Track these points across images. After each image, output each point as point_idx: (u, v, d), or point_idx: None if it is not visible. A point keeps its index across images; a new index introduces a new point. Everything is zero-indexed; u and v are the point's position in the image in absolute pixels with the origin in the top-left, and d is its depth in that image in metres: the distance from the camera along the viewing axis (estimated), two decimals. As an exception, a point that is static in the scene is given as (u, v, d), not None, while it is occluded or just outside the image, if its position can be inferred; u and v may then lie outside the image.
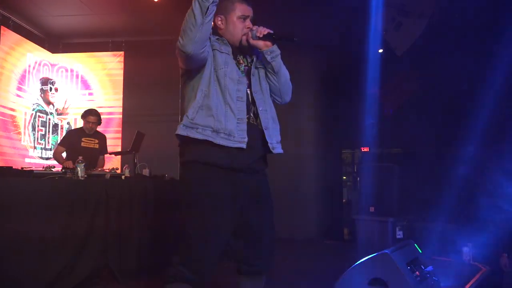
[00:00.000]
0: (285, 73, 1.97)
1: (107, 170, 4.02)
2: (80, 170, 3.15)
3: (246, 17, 1.91)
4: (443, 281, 2.47)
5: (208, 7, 1.62)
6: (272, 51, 1.88)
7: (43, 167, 3.69)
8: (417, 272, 2.29)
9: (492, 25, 4.50)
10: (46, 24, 6.31)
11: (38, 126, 6.32)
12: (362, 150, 6.27)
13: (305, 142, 6.08)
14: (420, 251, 2.63)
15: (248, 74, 1.91)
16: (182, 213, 1.80)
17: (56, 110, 6.73)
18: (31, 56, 6.22)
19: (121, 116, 6.66)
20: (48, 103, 6.57)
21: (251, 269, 1.90)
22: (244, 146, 1.74)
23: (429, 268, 2.46)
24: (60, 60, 6.79)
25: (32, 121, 6.22)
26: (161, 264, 3.59)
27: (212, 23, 1.78)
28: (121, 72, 6.74)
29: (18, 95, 5.90)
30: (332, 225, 6.15)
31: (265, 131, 1.85)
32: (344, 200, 6.72)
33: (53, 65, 6.70)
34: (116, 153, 5.70)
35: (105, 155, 4.69)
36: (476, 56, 4.83)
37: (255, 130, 1.83)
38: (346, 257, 4.58)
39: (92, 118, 4.40)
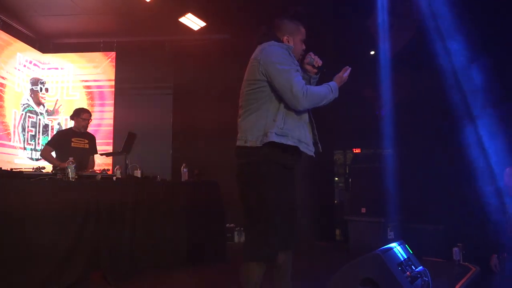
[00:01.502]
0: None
1: (98, 171, 3.99)
2: (70, 171, 3.12)
3: (303, 39, 2.31)
4: (433, 282, 2.48)
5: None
6: (315, 78, 2.32)
7: (33, 168, 3.66)
8: (408, 273, 2.31)
9: (482, 26, 4.55)
10: (37, 24, 6.25)
11: (28, 126, 6.26)
12: (354, 151, 6.30)
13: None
14: (411, 252, 2.65)
15: None
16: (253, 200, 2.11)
17: (47, 110, 6.67)
18: (21, 56, 6.16)
19: (112, 116, 6.62)
20: (39, 103, 6.51)
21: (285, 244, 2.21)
22: (313, 155, 2.22)
23: (420, 268, 2.48)
24: (51, 60, 6.74)
25: (22, 121, 6.15)
26: (152, 266, 3.58)
27: (282, 38, 2.22)
28: (113, 72, 6.70)
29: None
30: (324, 226, 6.17)
31: (316, 135, 2.31)
32: (335, 201, 6.74)
33: (43, 65, 6.64)
34: (107, 154, 5.66)
35: (95, 155, 4.65)
36: (466, 58, 4.88)
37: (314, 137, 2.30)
38: (337, 258, 4.61)
39: (86, 115, 4.39)
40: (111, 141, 6.50)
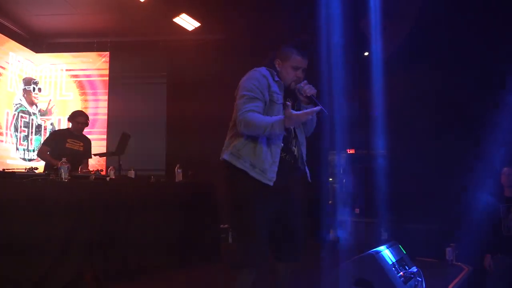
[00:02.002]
0: (312, 125, 2.36)
1: (92, 172, 3.97)
2: (63, 172, 3.10)
3: (299, 67, 2.23)
4: (426, 282, 2.49)
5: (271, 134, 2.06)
6: (306, 108, 2.17)
7: (25, 169, 3.63)
8: (401, 273, 2.32)
9: (476, 27, 4.58)
10: (30, 23, 6.21)
11: (20, 127, 6.21)
12: (348, 152, 6.31)
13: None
14: (405, 252, 2.66)
15: None
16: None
17: (40, 110, 6.62)
18: (13, 55, 6.11)
19: (106, 116, 6.59)
20: (31, 103, 6.47)
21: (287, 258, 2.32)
22: (271, 184, 2.10)
23: (413, 268, 2.49)
24: (44, 60, 6.69)
25: (14, 121, 6.11)
26: (146, 267, 3.57)
27: (275, 61, 2.24)
28: (107, 72, 6.67)
29: None
30: (317, 226, 6.17)
31: (299, 161, 2.31)
32: (329, 202, 6.75)
33: (36, 65, 6.60)
34: (101, 155, 5.63)
35: (89, 159, 4.62)
36: (460, 60, 4.92)
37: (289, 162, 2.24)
38: (331, 258, 4.61)
39: (81, 119, 4.39)
40: (105, 141, 6.47)
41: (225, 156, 2.16)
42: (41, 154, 4.38)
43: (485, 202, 3.84)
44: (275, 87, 2.17)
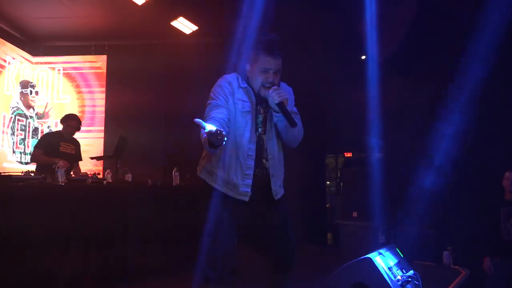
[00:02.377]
0: (291, 133, 2.09)
1: (90, 175, 3.96)
2: (60, 175, 3.09)
3: (268, 70, 2.00)
4: (424, 285, 2.49)
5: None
6: (276, 116, 2.02)
7: (22, 172, 3.62)
8: (398, 276, 2.32)
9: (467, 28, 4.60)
10: (27, 26, 6.20)
11: (17, 130, 6.19)
12: (345, 155, 6.33)
13: (287, 146, 6.08)
14: (402, 256, 2.66)
15: (264, 121, 2.09)
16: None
17: (37, 113, 6.61)
18: (10, 58, 6.10)
19: (103, 120, 6.58)
20: (28, 106, 6.45)
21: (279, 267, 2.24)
22: (246, 199, 2.01)
23: (411, 272, 2.49)
24: (41, 63, 6.68)
25: (11, 124, 6.09)
26: (143, 270, 3.56)
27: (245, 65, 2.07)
28: (104, 76, 6.66)
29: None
30: (315, 230, 6.18)
31: (271, 178, 2.09)
32: (327, 205, 6.76)
33: (33, 68, 6.59)
34: (98, 158, 5.62)
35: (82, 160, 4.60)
36: (452, 61, 4.93)
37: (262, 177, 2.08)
38: (329, 262, 4.60)
39: (73, 122, 4.36)
40: (102, 145, 6.46)
41: (200, 173, 2.13)
42: (35, 158, 4.29)
43: (485, 205, 3.83)
44: (240, 94, 2.01)
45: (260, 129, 2.08)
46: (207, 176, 2.08)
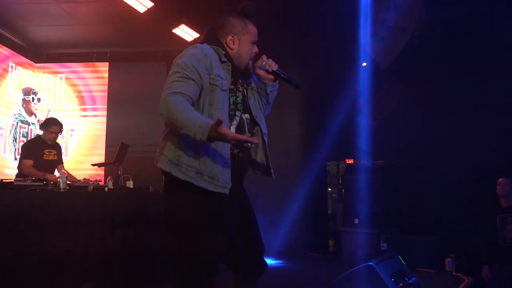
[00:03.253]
0: (269, 107, 2.00)
1: (91, 182, 3.95)
2: (62, 183, 3.10)
3: (255, 42, 1.88)
4: (426, 293, 2.48)
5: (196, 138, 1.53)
6: (274, 86, 1.92)
7: (24, 178, 3.61)
8: (401, 284, 2.31)
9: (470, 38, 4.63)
10: (30, 34, 6.24)
11: (19, 137, 6.20)
12: (347, 162, 6.32)
13: (289, 153, 6.10)
14: (404, 263, 2.65)
15: (244, 99, 1.86)
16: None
17: (38, 120, 6.62)
18: (13, 65, 6.13)
19: (105, 126, 6.59)
20: (30, 113, 6.47)
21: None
22: (227, 192, 1.69)
23: (413, 279, 2.48)
24: (44, 70, 6.71)
25: (13, 131, 6.10)
26: (145, 278, 3.55)
27: (222, 40, 1.82)
28: (106, 82, 6.69)
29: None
30: (317, 237, 6.15)
31: (268, 158, 1.91)
32: (329, 212, 6.74)
33: (36, 75, 6.62)
34: (99, 165, 5.62)
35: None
36: (454, 69, 4.95)
37: (243, 165, 1.84)
38: (331, 269, 4.59)
39: (55, 128, 4.18)
40: (103, 151, 6.46)
41: (162, 164, 1.72)
42: (26, 169, 4.01)
43: (483, 212, 3.82)
44: (219, 70, 1.73)
45: (241, 109, 1.81)
46: (173, 168, 1.68)
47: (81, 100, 6.73)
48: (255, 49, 1.87)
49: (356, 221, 4.83)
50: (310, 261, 5.52)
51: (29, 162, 4.05)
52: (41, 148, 4.15)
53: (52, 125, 4.18)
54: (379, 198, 4.82)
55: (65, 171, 4.13)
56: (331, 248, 6.14)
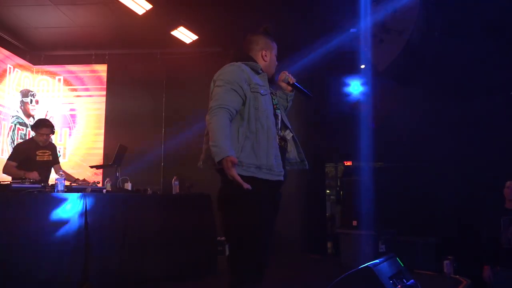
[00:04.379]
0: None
1: (89, 184, 3.94)
2: (60, 184, 3.09)
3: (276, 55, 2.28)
4: (425, 295, 2.48)
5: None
6: (291, 96, 2.33)
7: (21, 180, 3.59)
8: (399, 286, 2.30)
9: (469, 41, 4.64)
10: (28, 36, 6.24)
11: (17, 138, 6.19)
12: (345, 164, 6.32)
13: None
14: (403, 265, 2.65)
15: (279, 105, 2.23)
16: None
17: (36, 122, 6.61)
18: (11, 67, 6.12)
19: (103, 127, 6.58)
20: (28, 115, 6.46)
21: None
22: (282, 179, 2.00)
23: (411, 281, 2.48)
24: (42, 72, 6.71)
25: (11, 133, 6.09)
26: (142, 282, 3.54)
27: (258, 54, 2.19)
28: (104, 86, 6.69)
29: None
30: (315, 239, 6.15)
31: (301, 150, 2.23)
32: (327, 214, 6.74)
33: (34, 77, 6.61)
34: (97, 167, 5.62)
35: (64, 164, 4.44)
36: (455, 72, 4.96)
37: (285, 150, 2.16)
38: (329, 271, 4.59)
39: (45, 130, 4.10)
40: (102, 152, 6.45)
41: (205, 161, 1.98)
42: (6, 170, 3.98)
43: (485, 213, 3.82)
44: (257, 80, 2.06)
45: (278, 110, 2.17)
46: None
47: (80, 102, 6.73)
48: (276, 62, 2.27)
49: (355, 223, 4.82)
50: (308, 263, 5.51)
51: (12, 163, 3.99)
52: (34, 150, 4.10)
53: (42, 127, 4.12)
54: (377, 200, 4.81)
55: (63, 173, 4.12)
56: (329, 250, 6.13)
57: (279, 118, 2.14)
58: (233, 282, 1.92)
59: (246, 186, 1.82)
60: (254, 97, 1.99)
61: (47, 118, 6.64)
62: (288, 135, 2.16)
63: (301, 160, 2.24)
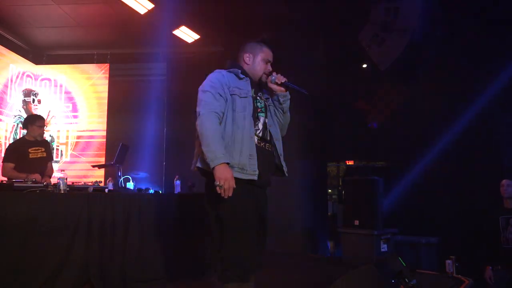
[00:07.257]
0: (286, 117, 2.36)
1: (91, 183, 3.95)
2: (62, 184, 3.09)
3: (268, 61, 2.30)
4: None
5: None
6: (284, 96, 2.28)
7: (23, 179, 3.59)
8: (401, 286, 2.30)
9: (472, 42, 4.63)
10: (31, 35, 6.25)
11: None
12: (347, 163, 6.32)
13: (290, 155, 6.09)
14: (404, 264, 2.65)
15: (265, 109, 2.27)
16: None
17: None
18: (13, 67, 6.14)
19: (105, 128, 6.59)
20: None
21: None
22: (255, 178, 2.05)
23: (413, 281, 2.48)
24: (44, 72, 6.73)
25: (13, 133, 6.10)
26: (143, 281, 3.54)
27: (241, 57, 2.27)
28: (106, 84, 6.70)
29: (-1, 107, 5.80)
30: (317, 238, 6.15)
31: (280, 157, 2.27)
32: (329, 213, 6.73)
33: (36, 77, 6.63)
34: (99, 166, 5.63)
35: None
36: (458, 72, 4.95)
37: (270, 155, 2.22)
38: (331, 270, 4.58)
39: (40, 122, 4.05)
40: (104, 152, 6.46)
41: (199, 163, 2.09)
42: (6, 172, 3.89)
43: (485, 213, 3.82)
44: (237, 84, 2.16)
45: (262, 113, 2.22)
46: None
47: (82, 101, 6.74)
48: (268, 67, 2.29)
49: (357, 222, 4.81)
50: (310, 262, 5.51)
51: (10, 165, 3.92)
52: (26, 148, 4.02)
53: (38, 119, 4.07)
54: (379, 199, 4.81)
55: (51, 169, 4.09)
56: (331, 250, 6.12)
57: (261, 120, 2.20)
58: (220, 277, 2.04)
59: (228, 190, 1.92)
60: (232, 100, 2.11)
61: (49, 118, 6.68)
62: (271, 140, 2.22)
63: (280, 165, 2.28)
